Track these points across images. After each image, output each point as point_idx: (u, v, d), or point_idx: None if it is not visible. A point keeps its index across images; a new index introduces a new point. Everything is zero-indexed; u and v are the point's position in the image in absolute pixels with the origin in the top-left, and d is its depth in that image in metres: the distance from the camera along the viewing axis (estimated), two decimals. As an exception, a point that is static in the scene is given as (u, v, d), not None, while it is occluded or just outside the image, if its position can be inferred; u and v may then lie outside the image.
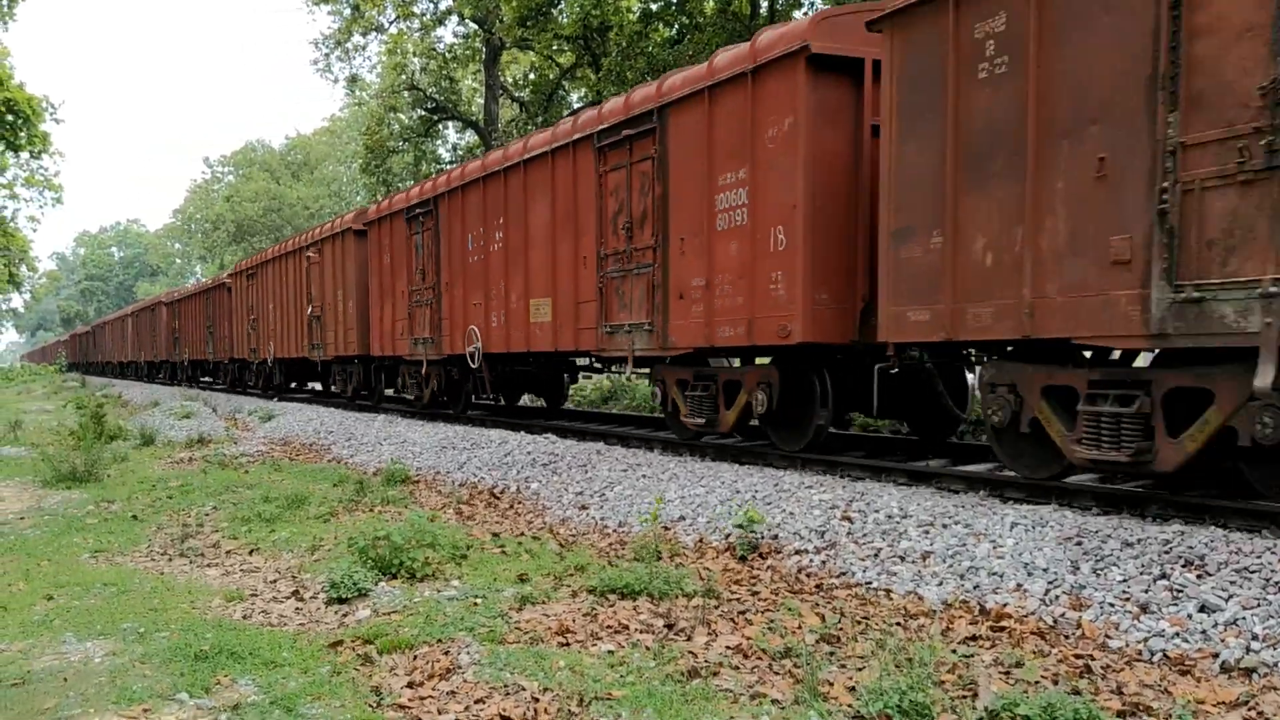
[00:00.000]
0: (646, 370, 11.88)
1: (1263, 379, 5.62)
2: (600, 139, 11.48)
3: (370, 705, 4.50)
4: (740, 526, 7.44)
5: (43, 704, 4.53)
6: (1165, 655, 4.79)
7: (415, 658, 5.12)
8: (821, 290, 8.69)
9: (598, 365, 13.55)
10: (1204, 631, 4.88)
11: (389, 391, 20.45)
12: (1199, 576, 5.33)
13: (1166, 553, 5.64)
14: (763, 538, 7.46)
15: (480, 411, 17.22)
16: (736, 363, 10.96)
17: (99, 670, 5.00)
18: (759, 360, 10.48)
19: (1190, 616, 5.01)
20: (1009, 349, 7.69)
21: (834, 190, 8.73)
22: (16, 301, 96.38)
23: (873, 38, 8.20)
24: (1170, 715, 4.14)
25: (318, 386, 27.02)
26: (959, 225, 7.33)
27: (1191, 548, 5.61)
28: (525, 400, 19.08)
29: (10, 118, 38.39)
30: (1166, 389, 6.37)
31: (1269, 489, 6.40)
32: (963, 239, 7.31)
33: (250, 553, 8.14)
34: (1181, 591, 5.24)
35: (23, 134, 39.33)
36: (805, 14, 22.09)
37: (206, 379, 36.83)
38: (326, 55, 37.10)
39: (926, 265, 7.63)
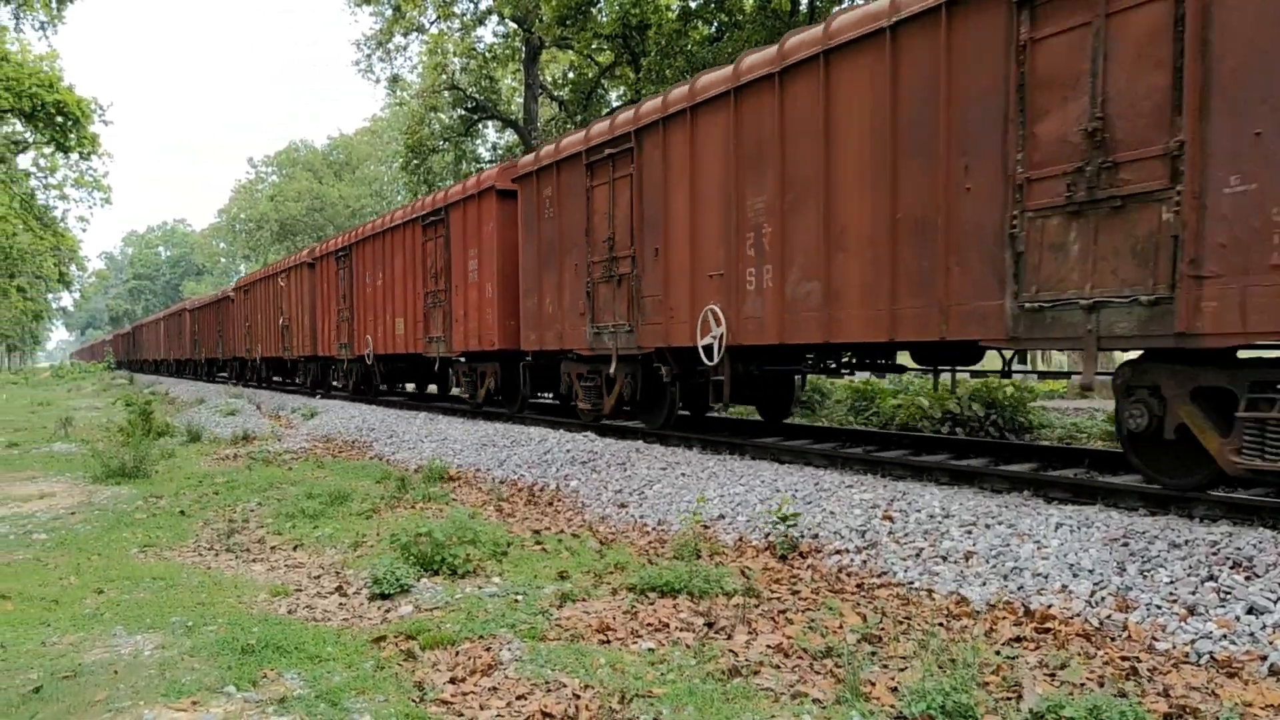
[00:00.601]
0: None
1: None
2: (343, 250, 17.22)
3: (413, 700, 4.54)
4: (780, 520, 7.43)
5: (94, 696, 4.62)
6: (1213, 657, 4.73)
7: (457, 654, 5.16)
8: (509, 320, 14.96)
9: None
10: (1252, 634, 4.81)
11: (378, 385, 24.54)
12: (1247, 578, 5.24)
13: (1214, 554, 5.56)
14: (803, 536, 7.44)
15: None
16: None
17: (148, 663, 5.08)
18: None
19: (1238, 618, 4.94)
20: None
21: (509, 262, 15.04)
22: (67, 300, 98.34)
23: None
24: (1217, 718, 4.08)
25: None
26: (541, 289, 13.96)
27: (1240, 549, 5.52)
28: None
29: (60, 120, 39.10)
30: None
31: None
32: (542, 296, 13.89)
33: (294, 548, 8.25)
34: (1230, 593, 5.16)
35: (72, 136, 40.05)
36: (844, 5, 21.95)
37: (223, 375, 42.17)
38: (368, 56, 37.51)
39: (532, 309, 14.25)
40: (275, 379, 33.97)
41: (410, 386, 25.35)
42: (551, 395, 16.36)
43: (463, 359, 17.28)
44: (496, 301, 15.24)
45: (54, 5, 37.40)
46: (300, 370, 28.14)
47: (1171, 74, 6.14)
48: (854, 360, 10.33)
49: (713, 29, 24.00)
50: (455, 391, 20.78)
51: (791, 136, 9.18)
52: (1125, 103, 6.42)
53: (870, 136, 8.34)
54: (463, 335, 16.51)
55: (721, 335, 10.15)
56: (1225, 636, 4.84)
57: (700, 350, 10.49)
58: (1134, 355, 7.18)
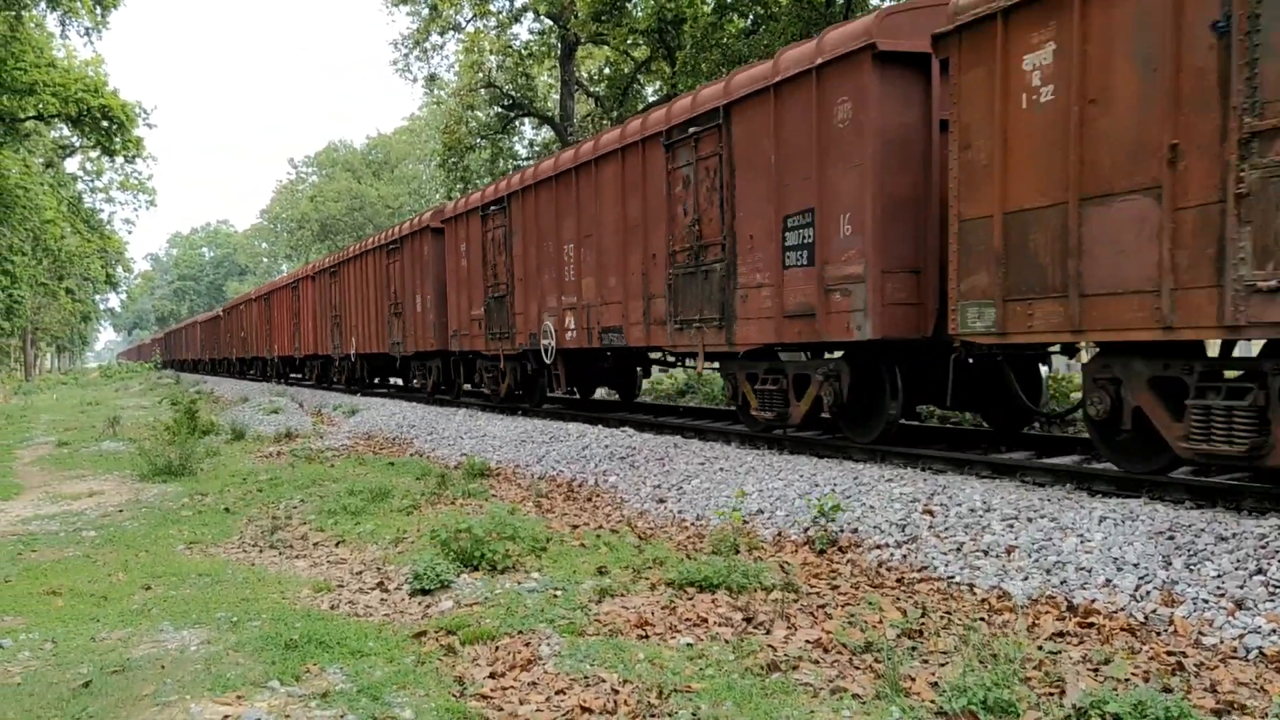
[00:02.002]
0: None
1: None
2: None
3: (454, 695, 4.58)
4: (821, 514, 7.40)
5: (141, 690, 4.70)
6: (1261, 653, 4.64)
7: (497, 649, 5.19)
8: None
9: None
10: (1304, 629, 4.71)
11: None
12: (1298, 572, 5.14)
13: (1263, 547, 5.46)
14: (842, 531, 7.40)
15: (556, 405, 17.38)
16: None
17: (194, 658, 5.16)
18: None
19: (1289, 613, 4.84)
20: None
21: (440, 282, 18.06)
22: (114, 301, 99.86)
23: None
24: (1266, 714, 4.01)
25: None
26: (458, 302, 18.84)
27: (1290, 542, 5.41)
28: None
29: (105, 124, 39.67)
30: None
31: None
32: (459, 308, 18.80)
33: (337, 545, 8.34)
34: (1279, 587, 5.06)
35: (117, 139, 40.60)
36: (880, 3, 21.77)
37: (253, 372, 45.36)
38: (405, 55, 37.68)
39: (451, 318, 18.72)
40: (294, 376, 37.66)
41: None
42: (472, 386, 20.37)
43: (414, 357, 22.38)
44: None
45: (98, 11, 37.94)
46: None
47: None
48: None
49: (748, 22, 23.88)
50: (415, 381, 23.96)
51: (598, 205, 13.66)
52: (705, 210, 10.94)
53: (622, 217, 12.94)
54: (412, 338, 21.44)
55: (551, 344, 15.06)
56: (1275, 631, 4.75)
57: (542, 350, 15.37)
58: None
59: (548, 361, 15.06)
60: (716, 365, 11.88)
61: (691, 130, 11.13)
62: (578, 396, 17.93)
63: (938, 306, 8.61)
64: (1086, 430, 8.62)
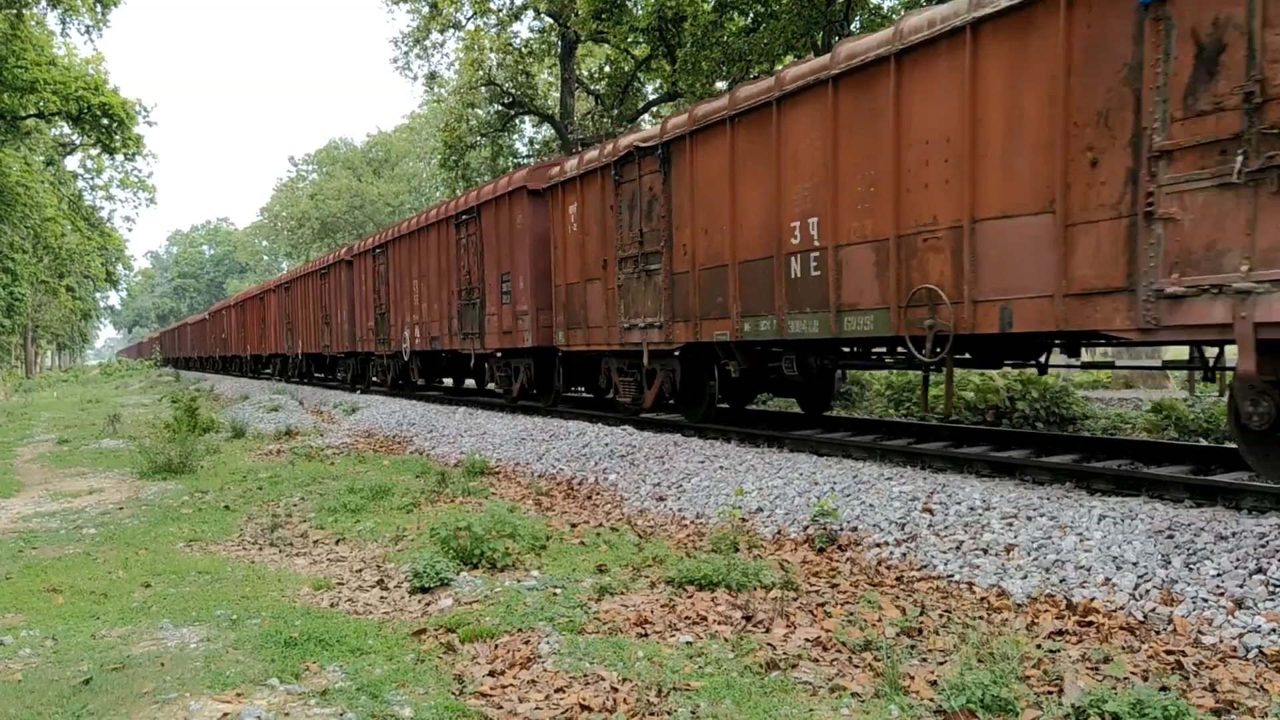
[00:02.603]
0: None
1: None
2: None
3: (453, 693, 4.59)
4: (821, 515, 7.40)
5: (142, 687, 4.70)
6: (1261, 652, 4.64)
7: (496, 647, 5.19)
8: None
9: None
10: (1303, 628, 4.72)
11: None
12: (1298, 571, 5.15)
13: (1263, 546, 5.46)
14: (842, 529, 7.41)
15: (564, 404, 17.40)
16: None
17: (194, 655, 5.17)
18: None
19: (1288, 612, 4.85)
20: None
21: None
22: (114, 299, 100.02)
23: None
24: (1266, 713, 4.01)
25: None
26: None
27: (1290, 541, 5.42)
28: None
29: (106, 122, 39.71)
30: None
31: None
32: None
33: (337, 542, 8.34)
34: (1279, 586, 5.06)
35: (117, 137, 40.66)
36: (882, 1, 21.75)
37: (268, 370, 45.55)
38: (406, 53, 37.70)
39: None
40: (317, 375, 35.57)
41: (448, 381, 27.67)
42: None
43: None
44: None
45: (98, 9, 37.95)
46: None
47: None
48: None
49: (749, 20, 23.84)
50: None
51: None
52: (473, 267, 17.50)
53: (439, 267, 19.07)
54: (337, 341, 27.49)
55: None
56: (1275, 630, 4.76)
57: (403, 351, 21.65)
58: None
59: (405, 359, 22.11)
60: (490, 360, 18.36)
61: (465, 217, 17.87)
62: (421, 382, 24.19)
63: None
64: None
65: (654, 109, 33.60)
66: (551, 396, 16.25)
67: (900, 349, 9.27)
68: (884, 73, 8.41)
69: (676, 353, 12.02)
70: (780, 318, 9.83)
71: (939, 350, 8.05)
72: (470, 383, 24.62)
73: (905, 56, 8.21)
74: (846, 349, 10.38)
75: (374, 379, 25.84)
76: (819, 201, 9.26)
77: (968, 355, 9.02)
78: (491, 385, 19.65)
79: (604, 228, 13.23)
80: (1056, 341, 8.45)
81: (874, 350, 10.25)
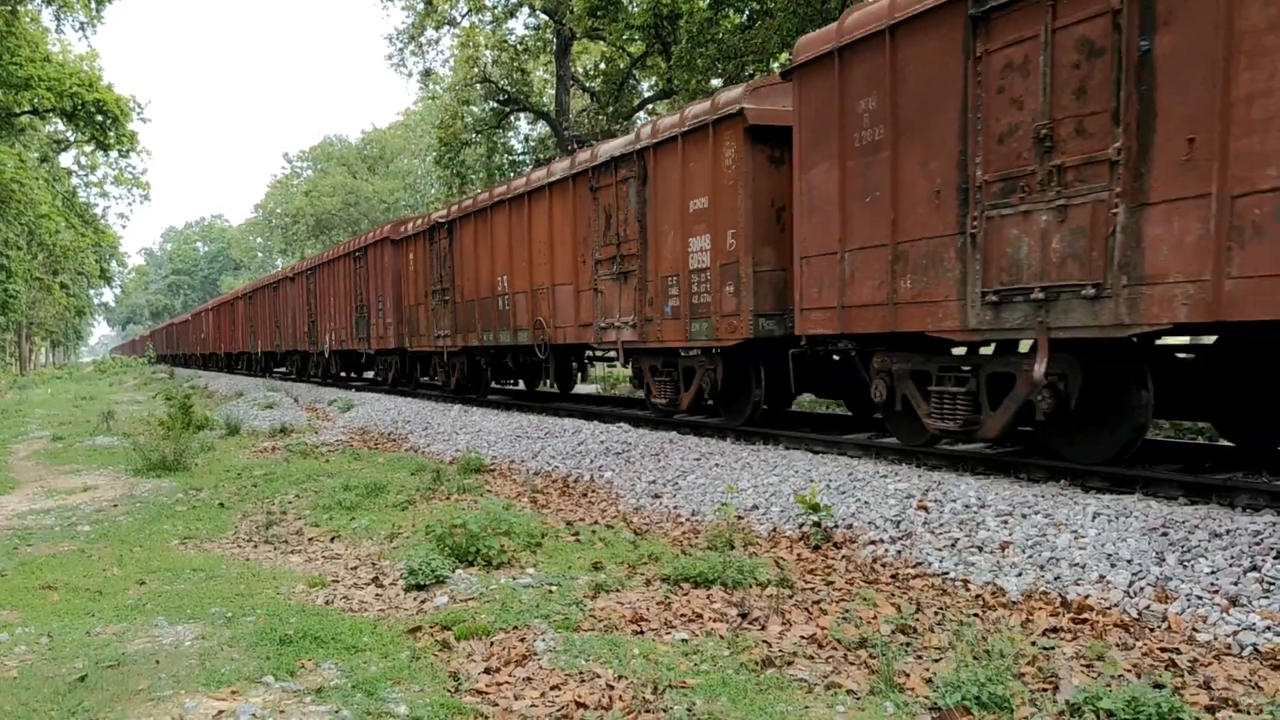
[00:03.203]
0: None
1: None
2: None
3: (449, 690, 4.58)
4: (811, 510, 7.39)
5: (137, 685, 4.70)
6: (1256, 649, 4.66)
7: (492, 644, 5.19)
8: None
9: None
10: (1297, 625, 4.73)
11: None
12: (1292, 569, 5.16)
13: (1257, 544, 5.47)
14: (837, 526, 7.41)
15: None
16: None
17: (189, 653, 5.16)
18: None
19: (1283, 610, 4.87)
20: None
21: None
22: (108, 296, 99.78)
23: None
24: (1261, 710, 4.02)
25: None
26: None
27: (1284, 539, 5.43)
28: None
29: (100, 118, 39.63)
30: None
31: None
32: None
33: (332, 540, 8.33)
34: (1273, 584, 5.08)
35: (111, 134, 40.58)
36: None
37: (285, 369, 44.82)
38: (401, 50, 37.68)
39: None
40: (277, 370, 38.65)
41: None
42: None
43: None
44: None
45: (93, 6, 37.86)
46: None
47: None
48: None
49: (744, 17, 23.83)
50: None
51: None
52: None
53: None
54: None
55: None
56: (1269, 628, 4.77)
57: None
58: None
59: (326, 356, 27.91)
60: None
61: (359, 254, 21.42)
62: (344, 374, 28.99)
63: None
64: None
65: (649, 106, 33.58)
66: (412, 383, 23.14)
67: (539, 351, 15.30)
68: (524, 202, 15.52)
69: (457, 351, 19.02)
70: (497, 332, 16.78)
71: (545, 351, 15.11)
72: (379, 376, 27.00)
73: (531, 195, 15.29)
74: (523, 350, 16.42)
75: (310, 372, 31.93)
76: (507, 266, 16.28)
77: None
78: (371, 374, 27.66)
79: (425, 271, 20.19)
80: (587, 351, 15.23)
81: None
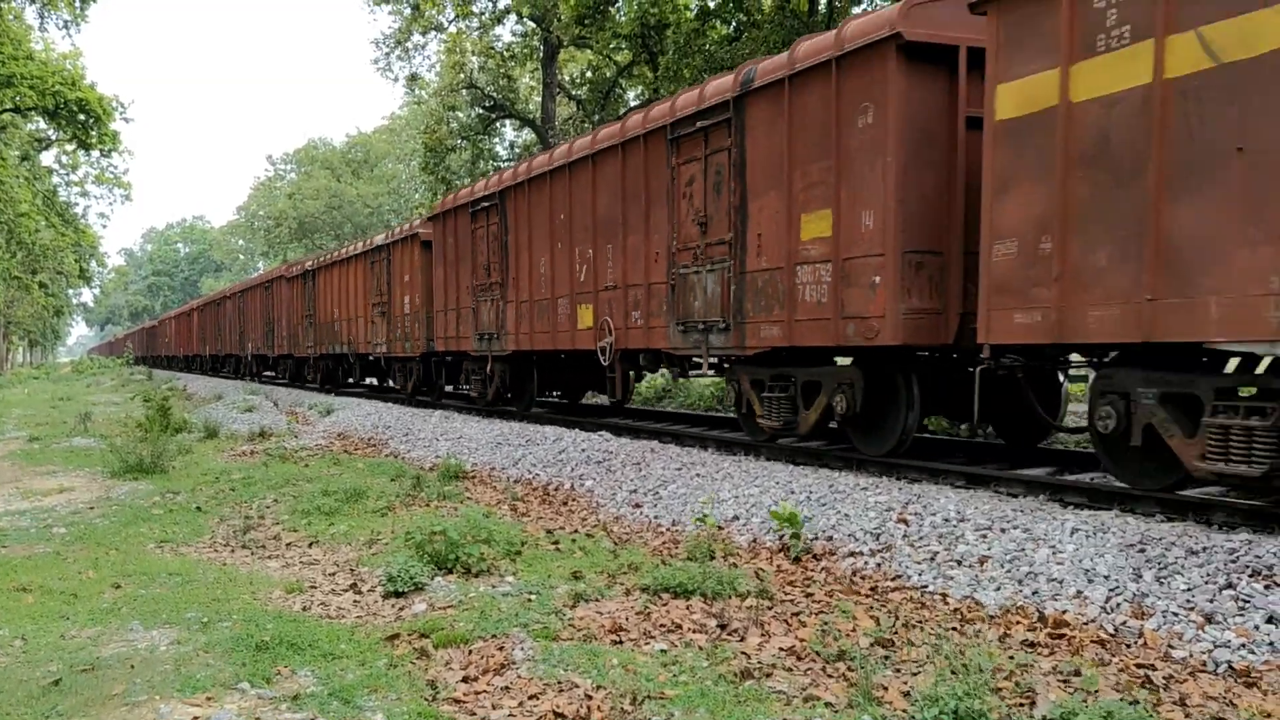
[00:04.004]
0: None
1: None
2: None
3: (426, 699, 4.56)
4: (785, 522, 7.40)
5: (111, 690, 4.65)
6: (1231, 667, 4.69)
7: (470, 652, 5.17)
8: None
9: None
10: (1271, 643, 4.77)
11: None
12: (1267, 586, 5.20)
13: (1233, 561, 5.52)
14: (817, 538, 7.43)
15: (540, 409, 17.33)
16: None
17: (164, 658, 5.12)
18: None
19: (1257, 628, 4.90)
20: None
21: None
22: (87, 296, 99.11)
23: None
24: (1235, 728, 4.05)
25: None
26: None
27: (1259, 557, 5.48)
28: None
29: (82, 117, 39.39)
30: None
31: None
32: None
33: (310, 545, 8.29)
34: (1249, 602, 5.12)
35: (94, 133, 40.35)
36: (864, 9, 21.88)
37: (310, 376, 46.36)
38: (387, 54, 37.57)
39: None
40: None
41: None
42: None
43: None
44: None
45: (77, 4, 37.66)
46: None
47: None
48: None
49: (731, 29, 23.93)
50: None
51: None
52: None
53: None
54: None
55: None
56: (1244, 645, 4.80)
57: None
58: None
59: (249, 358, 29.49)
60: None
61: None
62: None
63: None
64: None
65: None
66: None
67: None
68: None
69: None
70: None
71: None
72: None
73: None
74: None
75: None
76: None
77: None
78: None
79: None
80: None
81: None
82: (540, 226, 14.65)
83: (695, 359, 11.21)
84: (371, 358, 23.21)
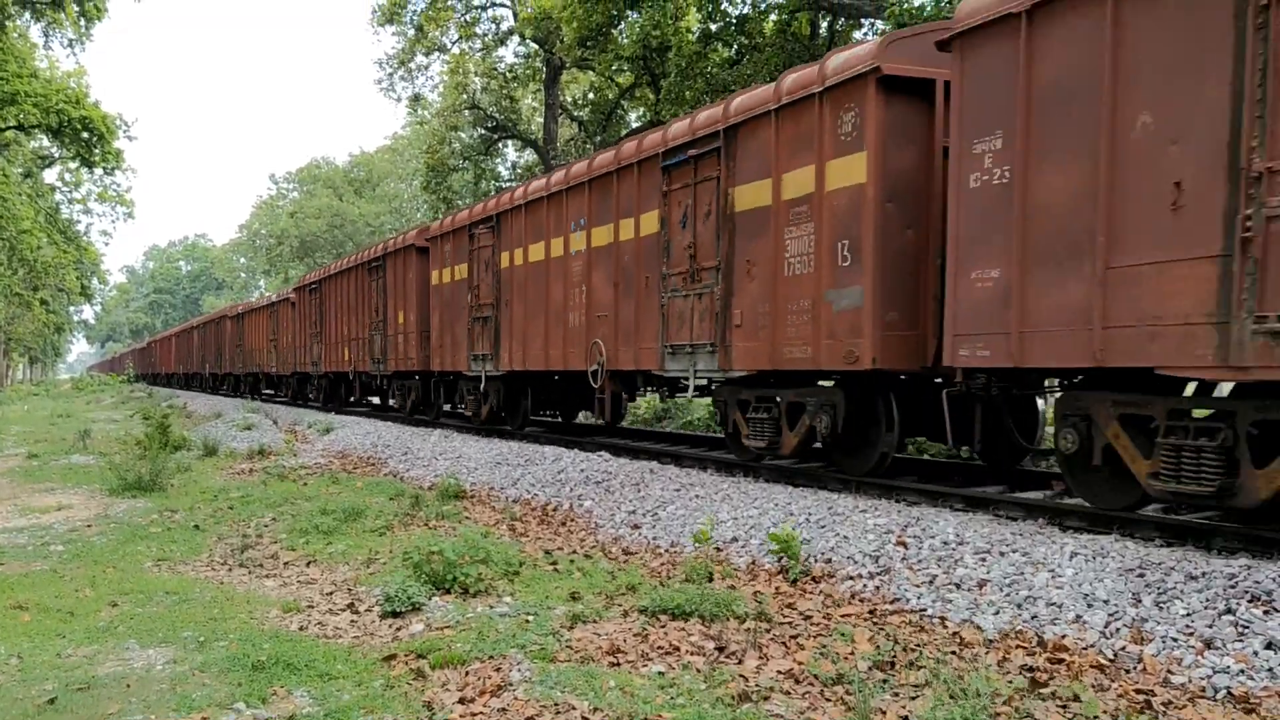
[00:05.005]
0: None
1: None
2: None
3: (422, 720, 4.54)
4: (783, 548, 7.38)
5: (106, 709, 4.64)
6: (1230, 693, 4.67)
7: (467, 673, 5.15)
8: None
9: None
10: (1271, 669, 4.75)
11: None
12: (1266, 612, 5.19)
13: (1232, 587, 5.50)
14: (815, 561, 7.41)
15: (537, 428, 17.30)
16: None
17: (160, 677, 5.10)
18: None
19: (1256, 653, 4.88)
20: None
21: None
22: (88, 313, 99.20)
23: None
24: (1234, 755, 4.03)
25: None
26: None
27: (1258, 582, 5.46)
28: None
29: (85, 135, 39.53)
30: None
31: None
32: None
33: (307, 564, 8.27)
34: (1248, 627, 5.10)
35: (97, 151, 40.47)
36: (865, 35, 22.02)
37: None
38: (390, 75, 37.76)
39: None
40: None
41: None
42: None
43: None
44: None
45: (82, 23, 37.88)
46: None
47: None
48: None
49: (732, 51, 24.08)
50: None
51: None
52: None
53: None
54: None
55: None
56: (1243, 671, 4.79)
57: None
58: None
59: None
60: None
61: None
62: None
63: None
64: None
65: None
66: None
67: None
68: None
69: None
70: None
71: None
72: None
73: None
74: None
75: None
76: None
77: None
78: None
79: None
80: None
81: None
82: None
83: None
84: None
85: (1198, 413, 6.64)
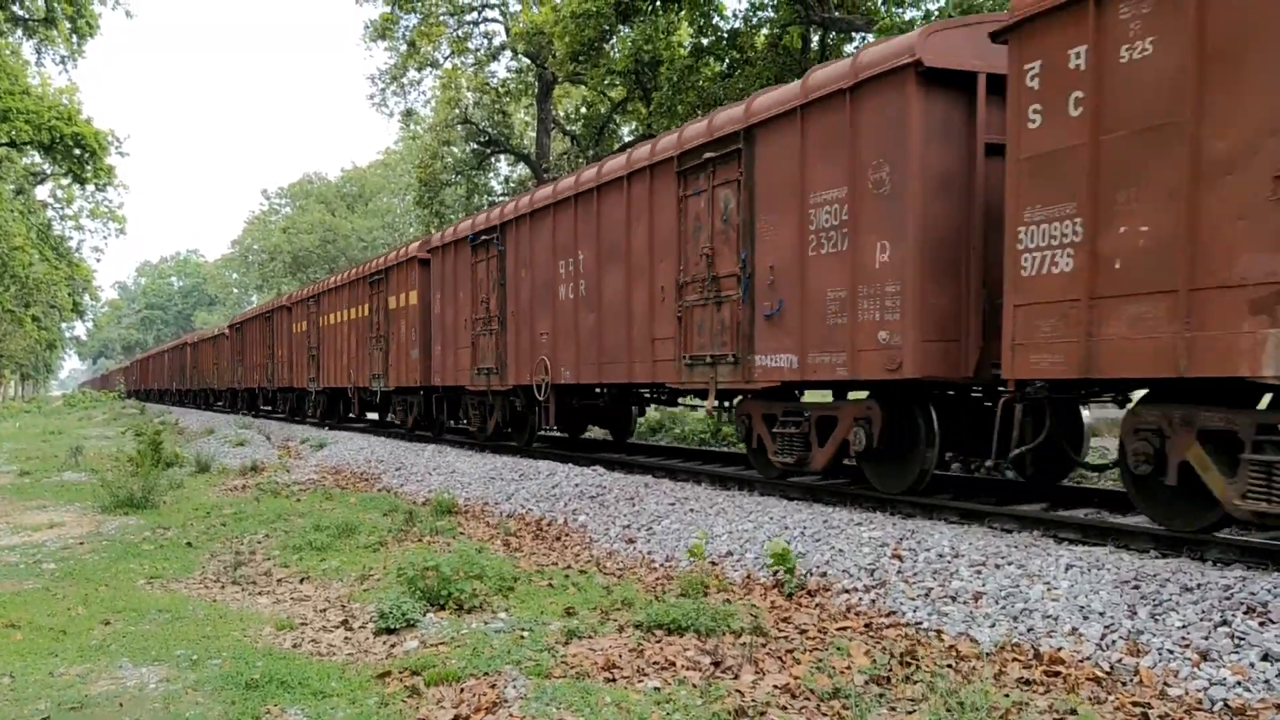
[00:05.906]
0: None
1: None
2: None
3: (417, 738, 4.52)
4: (779, 564, 7.37)
5: (98, 729, 4.61)
6: (1226, 705, 4.67)
7: (462, 690, 5.13)
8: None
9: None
10: (1267, 681, 4.75)
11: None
12: (1262, 624, 5.19)
13: (1228, 598, 5.50)
14: (811, 574, 7.40)
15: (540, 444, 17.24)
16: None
17: (153, 696, 5.07)
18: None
19: (1253, 665, 4.88)
20: None
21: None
22: (80, 329, 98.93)
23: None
24: (1232, 767, 4.02)
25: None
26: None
27: (1254, 594, 5.47)
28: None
29: (78, 152, 39.53)
30: None
31: None
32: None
33: (301, 581, 8.23)
34: (1244, 639, 5.10)
35: (89, 167, 40.48)
36: (855, 49, 22.13)
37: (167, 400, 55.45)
38: (382, 90, 37.88)
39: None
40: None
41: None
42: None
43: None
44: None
45: (74, 40, 37.92)
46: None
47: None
48: None
49: (724, 65, 24.18)
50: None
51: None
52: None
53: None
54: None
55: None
56: (1240, 683, 4.78)
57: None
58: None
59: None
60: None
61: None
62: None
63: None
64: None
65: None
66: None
67: None
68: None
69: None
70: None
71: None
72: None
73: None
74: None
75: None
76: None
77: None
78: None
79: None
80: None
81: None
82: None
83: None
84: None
85: None
